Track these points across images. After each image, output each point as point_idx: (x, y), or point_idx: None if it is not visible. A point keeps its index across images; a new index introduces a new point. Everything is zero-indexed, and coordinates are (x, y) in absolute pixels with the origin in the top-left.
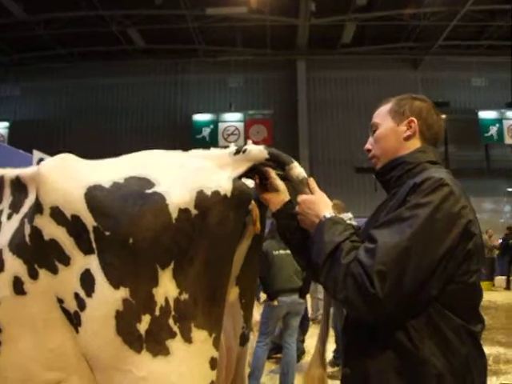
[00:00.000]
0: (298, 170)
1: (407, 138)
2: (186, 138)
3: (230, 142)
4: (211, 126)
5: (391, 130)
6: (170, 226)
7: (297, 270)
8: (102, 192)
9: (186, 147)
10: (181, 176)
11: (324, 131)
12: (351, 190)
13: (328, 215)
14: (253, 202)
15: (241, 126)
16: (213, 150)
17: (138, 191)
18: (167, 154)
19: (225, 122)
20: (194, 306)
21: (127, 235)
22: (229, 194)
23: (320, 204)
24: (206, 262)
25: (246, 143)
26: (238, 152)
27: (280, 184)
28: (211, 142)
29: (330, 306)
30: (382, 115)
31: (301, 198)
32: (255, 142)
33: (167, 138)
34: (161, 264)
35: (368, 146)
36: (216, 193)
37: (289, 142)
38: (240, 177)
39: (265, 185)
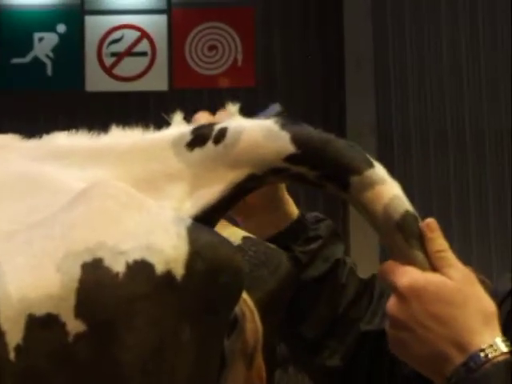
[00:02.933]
0: (388, 192)
1: None
2: None
3: (122, 80)
4: (61, 28)
5: None
6: (5, 370)
7: None
8: None
9: None
10: (24, 219)
11: (412, 54)
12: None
13: (498, 350)
14: (245, 295)
15: (154, 25)
16: (117, 133)
17: None
18: None
19: (102, 13)
20: None
21: None
22: (179, 273)
23: (467, 308)
24: None
25: (171, 83)
26: (202, 139)
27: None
28: (61, 81)
29: None
30: None
31: (405, 277)
32: (201, 80)
33: None
34: None
35: None
36: (139, 268)
37: (310, 85)
38: (212, 216)
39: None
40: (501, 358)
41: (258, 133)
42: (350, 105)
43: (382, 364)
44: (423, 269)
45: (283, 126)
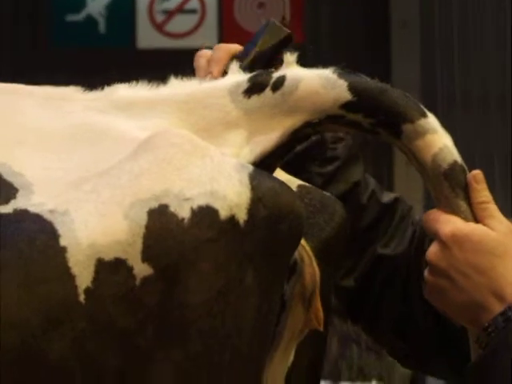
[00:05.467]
0: (438, 142)
1: None
2: (36, 30)
3: (173, 37)
4: None
5: None
6: (75, 311)
7: None
8: None
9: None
10: (90, 169)
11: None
12: None
13: None
14: (303, 241)
15: None
16: (176, 83)
17: None
18: (43, 101)
19: None
20: None
21: None
22: (242, 218)
23: (508, 260)
24: None
25: (220, 40)
26: (260, 86)
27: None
28: (113, 38)
29: None
30: None
31: (448, 226)
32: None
33: None
34: None
35: None
36: (204, 213)
37: (357, 44)
38: (269, 163)
39: None
40: None
41: (316, 81)
42: (396, 64)
43: (395, 289)
44: (466, 219)
45: (340, 75)
